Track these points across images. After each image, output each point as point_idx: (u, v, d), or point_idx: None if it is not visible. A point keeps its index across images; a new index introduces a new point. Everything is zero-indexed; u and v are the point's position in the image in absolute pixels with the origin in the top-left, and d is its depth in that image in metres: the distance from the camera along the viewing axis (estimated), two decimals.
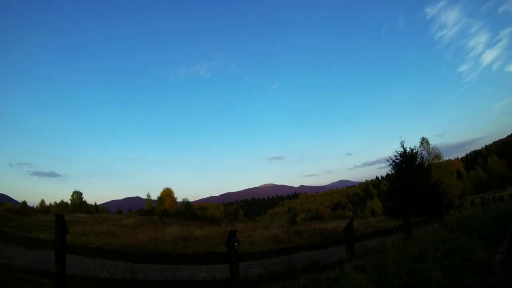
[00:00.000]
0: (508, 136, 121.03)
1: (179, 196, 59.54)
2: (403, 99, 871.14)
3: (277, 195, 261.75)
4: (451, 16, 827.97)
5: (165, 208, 50.20)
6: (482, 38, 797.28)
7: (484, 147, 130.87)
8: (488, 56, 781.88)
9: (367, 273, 3.28)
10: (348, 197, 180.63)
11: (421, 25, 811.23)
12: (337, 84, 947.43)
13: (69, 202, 54.57)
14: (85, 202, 55.28)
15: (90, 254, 4.51)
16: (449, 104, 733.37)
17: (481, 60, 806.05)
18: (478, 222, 6.80)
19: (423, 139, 33.76)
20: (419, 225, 8.12)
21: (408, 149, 20.67)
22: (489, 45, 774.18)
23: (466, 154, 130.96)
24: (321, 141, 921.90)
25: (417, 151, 21.10)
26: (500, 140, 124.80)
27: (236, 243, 4.33)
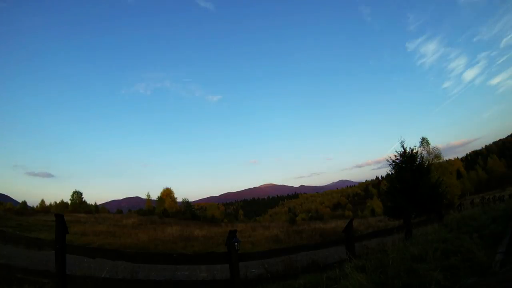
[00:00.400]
0: (508, 136, 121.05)
1: (179, 196, 59.55)
2: (392, 108, 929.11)
3: (277, 195, 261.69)
4: (430, 47, 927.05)
5: (165, 208, 50.15)
6: (461, 61, 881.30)
7: (484, 147, 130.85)
8: (470, 74, 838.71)
9: (367, 273, 3.28)
10: (348, 197, 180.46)
11: (403, 57, 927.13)
12: (332, 96, 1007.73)
13: (69, 202, 54.58)
14: (85, 202, 55.31)
15: (90, 254, 4.51)
16: (437, 114, 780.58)
17: (463, 77, 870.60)
18: (478, 222, 6.78)
19: (423, 139, 33.75)
20: (419, 225, 8.12)
21: (408, 149, 20.69)
22: (469, 66, 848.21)
23: (466, 154, 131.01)
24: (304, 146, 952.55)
25: (417, 151, 21.11)
26: (500, 140, 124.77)
27: (236, 243, 4.32)
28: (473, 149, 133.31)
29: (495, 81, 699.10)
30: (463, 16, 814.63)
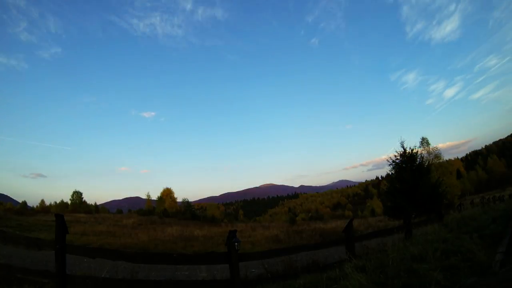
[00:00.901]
0: (508, 136, 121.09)
1: (179, 196, 59.65)
2: (382, 119, 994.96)
3: (277, 195, 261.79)
4: (410, 77, 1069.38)
5: (165, 208, 50.16)
6: (440, 84, 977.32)
7: (484, 147, 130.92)
8: (450, 91, 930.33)
9: (367, 273, 3.28)
10: (348, 197, 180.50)
11: (388, 84, 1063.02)
12: (330, 104, 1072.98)
13: (69, 202, 54.59)
14: (85, 202, 55.32)
15: (90, 254, 4.50)
16: (424, 123, 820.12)
17: (444, 95, 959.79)
18: (478, 222, 6.79)
19: (423, 139, 33.79)
20: (419, 225, 8.11)
21: (408, 149, 20.68)
22: (448, 86, 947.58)
23: (466, 154, 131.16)
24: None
25: (417, 151, 21.09)
26: (500, 140, 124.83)
27: (236, 243, 4.32)
28: (457, 153, 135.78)
29: (476, 96, 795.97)
30: (436, 53, 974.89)
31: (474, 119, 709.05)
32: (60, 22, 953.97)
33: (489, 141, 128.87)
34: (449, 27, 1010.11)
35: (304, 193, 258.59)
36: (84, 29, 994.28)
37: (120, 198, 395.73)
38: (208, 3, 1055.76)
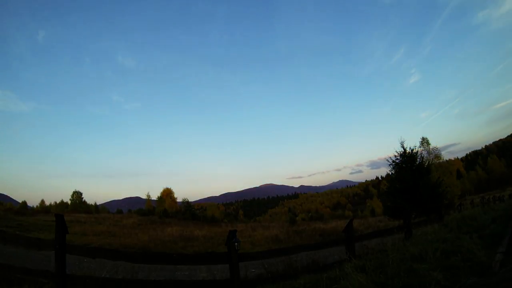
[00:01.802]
0: (508, 136, 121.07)
1: (179, 196, 59.35)
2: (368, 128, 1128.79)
3: (277, 195, 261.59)
4: (385, 109, 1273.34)
5: (165, 208, 50.10)
6: (413, 110, 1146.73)
7: (484, 147, 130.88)
8: (425, 114, 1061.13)
9: (367, 273, 3.28)
10: (348, 197, 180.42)
11: (368, 116, 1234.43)
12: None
13: (69, 202, 54.53)
14: (85, 202, 55.20)
15: (90, 254, 4.50)
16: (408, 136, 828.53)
17: (420, 116, 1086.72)
18: (478, 222, 6.79)
19: (423, 139, 33.74)
20: (419, 225, 8.12)
21: (408, 149, 20.66)
22: (421, 111, 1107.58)
23: (466, 154, 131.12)
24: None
25: (417, 151, 21.07)
26: (500, 140, 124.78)
27: (236, 243, 4.33)
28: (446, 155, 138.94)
29: (454, 112, 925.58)
30: (403, 96, 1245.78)
31: (459, 126, 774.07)
32: (146, 91, 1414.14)
33: (476, 144, 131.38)
34: (412, 81, 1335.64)
35: (304, 193, 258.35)
36: (157, 90, 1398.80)
37: (120, 198, 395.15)
38: (251, 81, 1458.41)
